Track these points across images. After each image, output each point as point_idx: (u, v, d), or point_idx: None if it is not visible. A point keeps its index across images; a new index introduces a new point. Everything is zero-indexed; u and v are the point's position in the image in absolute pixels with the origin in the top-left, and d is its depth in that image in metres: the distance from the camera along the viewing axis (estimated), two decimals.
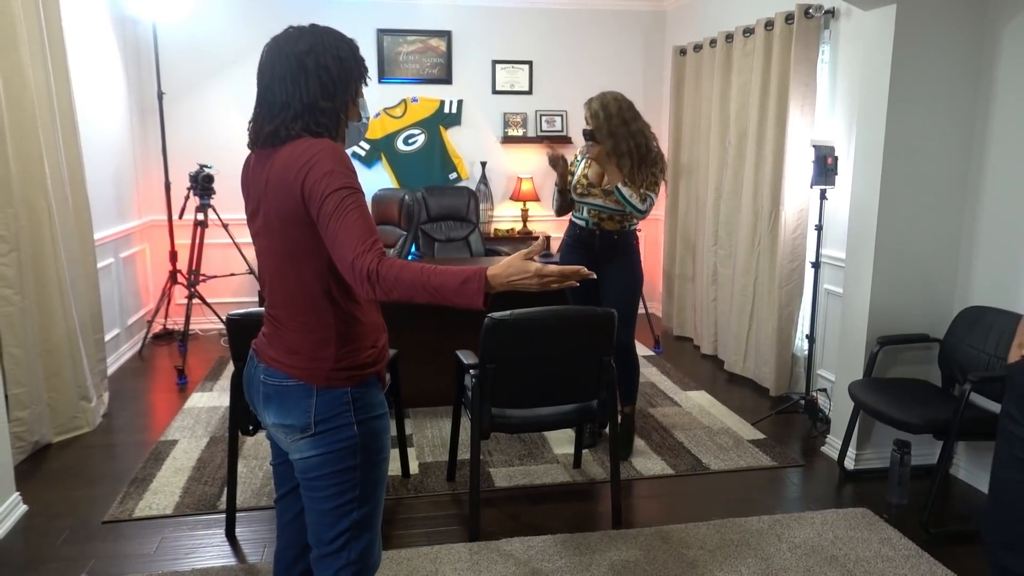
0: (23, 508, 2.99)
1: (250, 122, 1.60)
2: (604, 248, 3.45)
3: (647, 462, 3.45)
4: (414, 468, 3.38)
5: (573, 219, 3.55)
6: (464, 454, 3.30)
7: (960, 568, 2.60)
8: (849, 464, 3.39)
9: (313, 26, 1.58)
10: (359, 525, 1.63)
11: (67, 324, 3.69)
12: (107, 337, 4.60)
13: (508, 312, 2.64)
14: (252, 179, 1.60)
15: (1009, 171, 3.06)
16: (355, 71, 1.60)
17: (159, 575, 2.57)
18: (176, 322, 5.46)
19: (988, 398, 2.96)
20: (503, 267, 1.44)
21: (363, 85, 1.64)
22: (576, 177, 3.49)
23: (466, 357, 2.93)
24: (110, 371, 4.56)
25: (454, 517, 2.99)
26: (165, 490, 3.16)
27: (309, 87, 1.52)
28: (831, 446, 3.55)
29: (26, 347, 3.41)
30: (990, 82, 3.13)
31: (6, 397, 3.17)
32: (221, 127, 5.56)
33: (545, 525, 2.91)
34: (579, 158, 3.55)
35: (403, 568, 2.60)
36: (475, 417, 2.76)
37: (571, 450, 3.50)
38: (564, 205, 3.57)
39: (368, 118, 1.73)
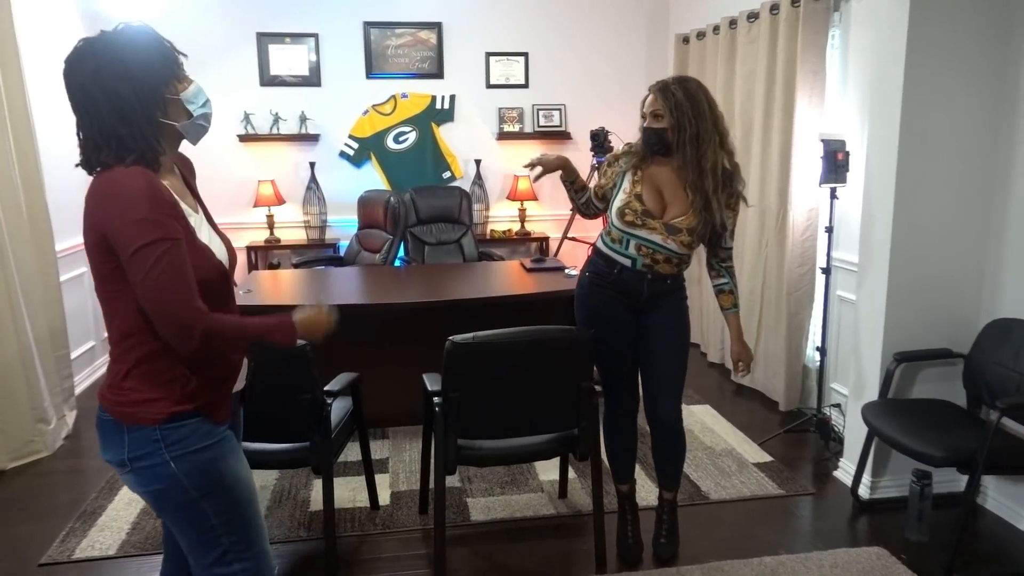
0: None
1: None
2: (652, 296, 2.54)
3: (640, 489, 3.15)
4: (384, 498, 3.10)
5: (609, 254, 2.53)
6: None
7: None
8: (864, 493, 3.07)
9: (101, 37, 1.46)
10: (234, 549, 1.57)
11: (20, 341, 3.47)
12: (78, 351, 4.41)
13: (471, 335, 2.36)
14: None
15: None
16: (158, 75, 1.48)
17: None
18: None
19: (1022, 423, 2.63)
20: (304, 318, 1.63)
21: (179, 78, 1.53)
22: (621, 197, 2.50)
23: (432, 382, 2.65)
24: (81, 387, 4.35)
25: (423, 557, 2.71)
26: (113, 526, 2.91)
27: (103, 119, 1.42)
28: (844, 471, 3.23)
29: None
30: (1018, 69, 2.79)
31: None
32: None
33: (521, 566, 2.63)
34: (621, 166, 2.55)
35: None
36: (439, 451, 2.48)
37: (557, 476, 3.21)
38: (588, 204, 2.67)
39: (207, 102, 1.60)
